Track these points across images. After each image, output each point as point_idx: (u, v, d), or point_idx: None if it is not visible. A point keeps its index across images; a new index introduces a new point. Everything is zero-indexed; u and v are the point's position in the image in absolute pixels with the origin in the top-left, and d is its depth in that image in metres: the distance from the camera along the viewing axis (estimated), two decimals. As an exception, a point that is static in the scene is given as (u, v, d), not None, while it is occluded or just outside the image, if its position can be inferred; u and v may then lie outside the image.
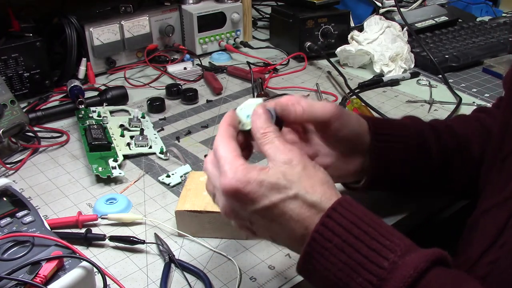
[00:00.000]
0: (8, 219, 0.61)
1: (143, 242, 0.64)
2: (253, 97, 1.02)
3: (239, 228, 0.52)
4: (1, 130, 0.81)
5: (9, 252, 0.56)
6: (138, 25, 1.15)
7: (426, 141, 0.66)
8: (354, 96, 1.01)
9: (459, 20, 1.41)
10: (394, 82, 1.10)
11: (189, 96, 1.03)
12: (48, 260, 0.54)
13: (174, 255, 0.63)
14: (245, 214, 0.49)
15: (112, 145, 0.85)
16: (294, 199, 0.47)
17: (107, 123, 0.92)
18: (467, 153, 0.68)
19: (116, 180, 0.79)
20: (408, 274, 0.42)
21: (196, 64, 1.17)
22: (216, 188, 0.51)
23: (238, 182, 0.47)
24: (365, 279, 0.44)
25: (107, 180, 0.78)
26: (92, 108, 0.96)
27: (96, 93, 1.03)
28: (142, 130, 0.89)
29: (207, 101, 1.04)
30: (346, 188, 0.70)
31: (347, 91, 1.05)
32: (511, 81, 0.56)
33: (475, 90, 1.07)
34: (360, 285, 0.44)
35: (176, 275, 0.61)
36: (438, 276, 0.43)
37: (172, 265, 0.62)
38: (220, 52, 1.27)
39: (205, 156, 0.84)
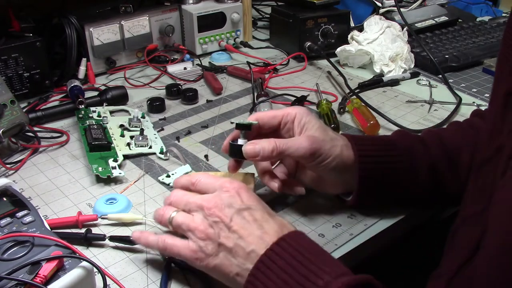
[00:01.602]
0: (8, 219, 0.61)
1: (143, 242, 0.64)
2: (253, 97, 1.02)
3: (202, 231, 0.57)
4: (1, 130, 0.81)
5: (9, 252, 0.56)
6: (138, 25, 1.15)
7: (414, 158, 0.67)
8: (354, 96, 1.01)
9: (459, 20, 1.41)
10: (394, 82, 1.10)
11: (189, 96, 1.03)
12: (48, 260, 0.54)
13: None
14: (231, 211, 0.56)
15: (112, 145, 0.85)
16: (278, 218, 0.58)
17: (107, 123, 0.92)
18: (457, 164, 0.69)
19: (116, 180, 0.79)
20: None
21: (196, 64, 1.17)
22: (209, 187, 0.60)
23: (245, 186, 0.59)
24: None
25: (107, 180, 0.78)
26: (92, 108, 0.96)
27: (96, 93, 1.03)
28: (142, 130, 0.89)
29: (207, 101, 1.04)
30: (339, 200, 0.72)
31: (347, 91, 1.05)
32: (495, 83, 0.55)
33: (475, 90, 1.07)
34: None
35: (176, 275, 0.61)
36: None
37: (172, 265, 0.62)
38: (220, 52, 1.27)
39: (205, 156, 0.85)
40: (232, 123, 0.95)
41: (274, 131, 0.67)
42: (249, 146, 0.63)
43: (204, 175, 0.62)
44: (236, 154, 0.65)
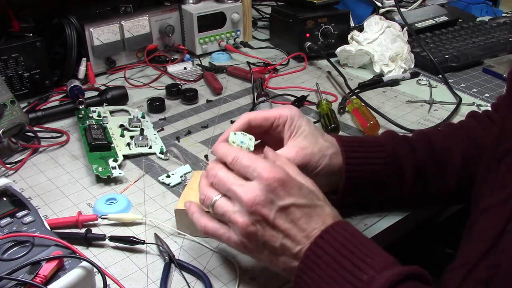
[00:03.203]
0: (8, 219, 0.61)
1: (143, 242, 0.64)
2: (253, 97, 1.02)
3: (245, 231, 0.54)
4: (1, 130, 0.81)
5: (9, 252, 0.56)
6: (138, 25, 1.15)
7: (400, 161, 0.68)
8: (354, 96, 1.01)
9: (459, 20, 1.41)
10: (394, 82, 1.10)
11: (189, 96, 1.03)
12: (48, 260, 0.54)
13: (174, 255, 0.63)
14: (274, 208, 0.53)
15: (112, 145, 0.85)
16: (322, 208, 0.55)
17: (107, 123, 0.91)
18: (446, 165, 0.69)
19: (116, 180, 0.79)
20: (382, 285, 0.48)
21: (196, 64, 1.17)
22: (238, 184, 0.55)
23: (286, 175, 0.54)
24: None
25: (107, 180, 0.78)
26: (92, 108, 0.96)
27: (96, 93, 1.03)
28: (142, 130, 0.89)
29: (207, 101, 1.04)
30: None
31: (347, 91, 1.05)
32: (510, 80, 0.56)
33: (475, 90, 1.07)
34: None
35: (176, 275, 0.61)
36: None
37: (172, 265, 0.62)
38: (220, 52, 1.27)
39: (205, 156, 0.85)
40: (232, 122, 0.95)
41: (265, 131, 0.67)
42: None
43: (242, 153, 0.57)
44: None
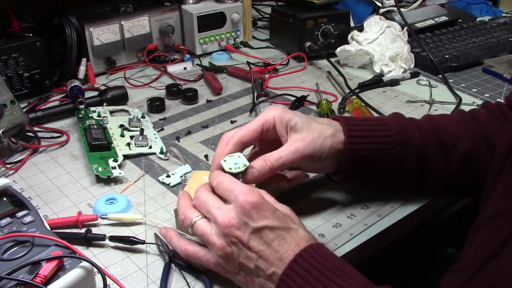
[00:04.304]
0: (8, 219, 0.61)
1: (143, 242, 0.64)
2: (253, 97, 1.02)
3: (220, 252, 0.56)
4: (1, 130, 0.81)
5: (9, 252, 0.56)
6: (138, 25, 1.15)
7: (404, 143, 0.68)
8: (354, 96, 1.01)
9: (459, 20, 1.41)
10: (394, 82, 1.10)
11: (189, 96, 1.03)
12: (48, 260, 0.54)
13: (174, 255, 0.63)
14: (248, 230, 0.55)
15: (112, 145, 0.85)
16: (296, 231, 0.56)
17: (107, 123, 0.92)
18: (450, 154, 0.69)
19: (116, 180, 0.79)
20: None
21: (196, 64, 1.17)
22: (216, 207, 0.57)
23: (260, 199, 0.56)
24: None
25: (107, 180, 0.78)
26: (92, 108, 0.96)
27: (96, 93, 1.03)
28: (142, 130, 0.89)
29: (207, 101, 1.04)
30: (327, 178, 0.74)
31: (347, 91, 1.05)
32: None
33: (475, 90, 1.07)
34: None
35: (176, 275, 0.61)
36: None
37: (172, 265, 0.62)
38: (220, 52, 1.27)
39: (205, 156, 0.85)
40: (232, 122, 0.95)
41: (258, 139, 0.68)
42: (249, 176, 0.63)
43: (225, 178, 0.60)
44: None
